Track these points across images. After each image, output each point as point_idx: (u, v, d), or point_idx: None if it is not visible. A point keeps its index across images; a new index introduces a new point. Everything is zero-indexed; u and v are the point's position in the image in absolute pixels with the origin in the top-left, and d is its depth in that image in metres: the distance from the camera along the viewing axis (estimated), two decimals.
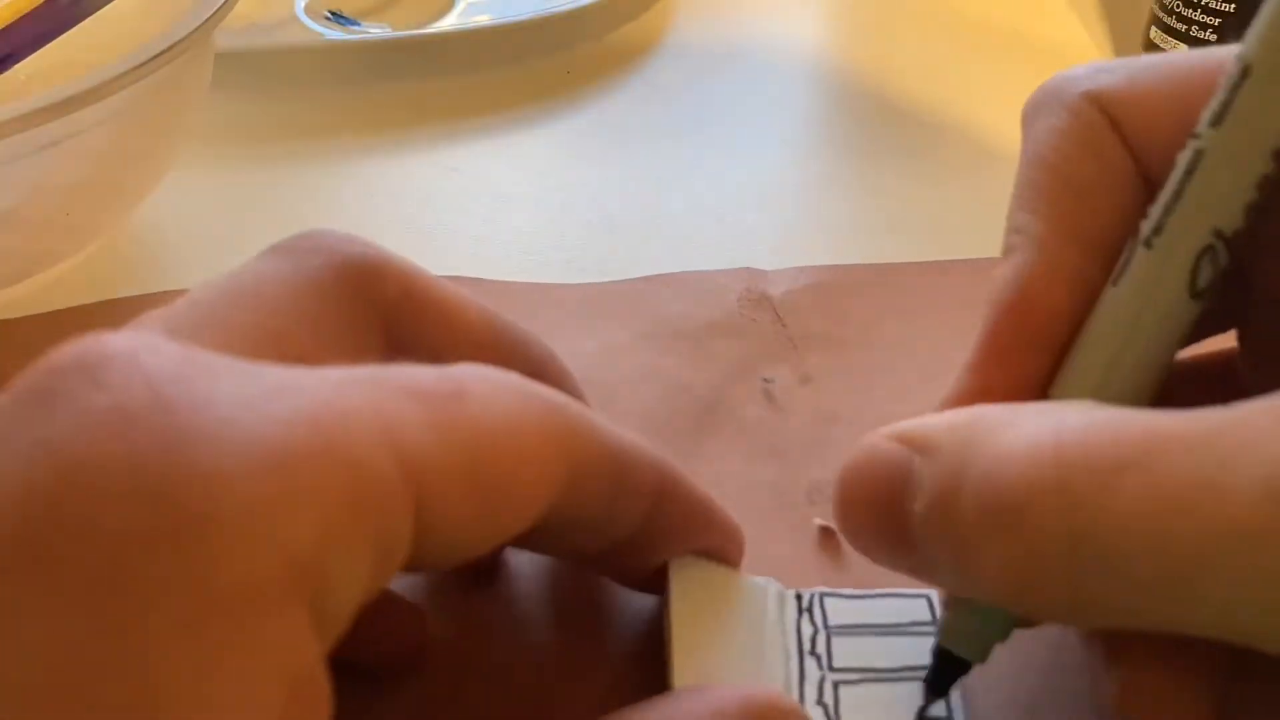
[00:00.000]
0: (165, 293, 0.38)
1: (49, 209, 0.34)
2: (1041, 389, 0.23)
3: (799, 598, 0.27)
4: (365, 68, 0.51)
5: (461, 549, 0.20)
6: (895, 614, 0.26)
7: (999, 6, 0.57)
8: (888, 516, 0.21)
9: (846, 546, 0.29)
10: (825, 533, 0.30)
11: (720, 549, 0.26)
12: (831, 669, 0.25)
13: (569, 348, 0.35)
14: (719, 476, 0.31)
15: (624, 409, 0.33)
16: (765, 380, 0.34)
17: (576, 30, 0.54)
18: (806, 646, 0.26)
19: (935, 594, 0.27)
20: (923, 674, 0.25)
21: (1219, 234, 0.22)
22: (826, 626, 0.26)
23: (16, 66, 0.35)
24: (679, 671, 0.24)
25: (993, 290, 0.24)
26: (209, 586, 0.15)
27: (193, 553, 0.16)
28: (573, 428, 0.21)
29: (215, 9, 0.34)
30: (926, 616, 0.26)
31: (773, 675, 0.25)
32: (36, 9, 0.35)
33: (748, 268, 0.38)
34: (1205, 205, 0.22)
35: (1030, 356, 0.23)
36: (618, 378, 0.34)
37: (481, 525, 0.20)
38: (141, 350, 0.17)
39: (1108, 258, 0.23)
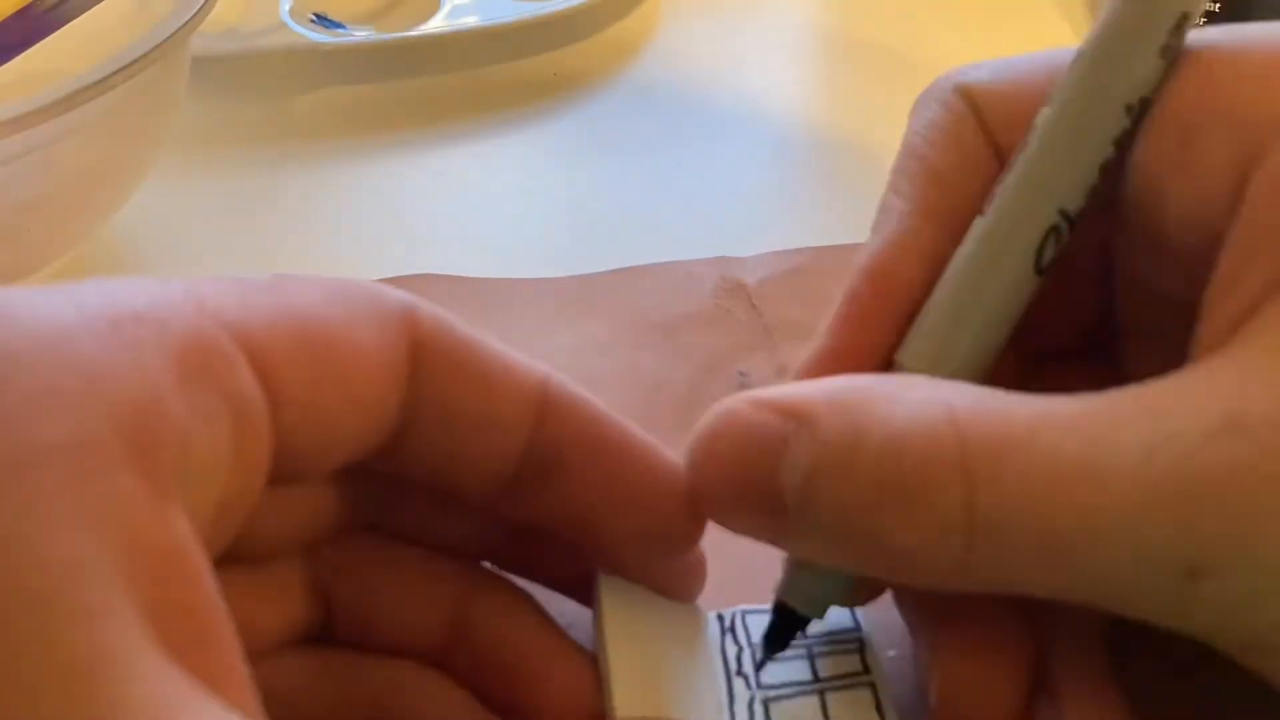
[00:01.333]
0: None
1: (21, 219, 0.34)
2: (890, 353, 0.24)
3: (720, 619, 0.26)
4: (351, 70, 0.51)
5: (329, 432, 0.20)
6: (818, 625, 0.25)
7: (985, 5, 0.57)
8: (756, 487, 0.21)
9: None
10: None
11: (651, 494, 0.23)
12: (760, 686, 0.25)
13: (545, 343, 0.35)
14: None
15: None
16: (741, 374, 0.34)
17: (563, 32, 0.53)
18: (733, 667, 0.25)
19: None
20: (851, 681, 0.25)
21: (1064, 214, 0.23)
22: (750, 644, 0.25)
23: None
24: (621, 702, 0.23)
25: (855, 262, 0.25)
26: (14, 449, 0.15)
27: None
28: (406, 306, 0.21)
29: (188, 18, 0.34)
30: (850, 623, 0.26)
31: (709, 698, 0.24)
32: (10, 17, 0.35)
33: (722, 256, 0.38)
34: (1053, 187, 0.23)
35: (884, 321, 0.24)
36: (594, 373, 0.34)
37: (329, 402, 0.19)
38: None
39: (960, 235, 0.24)
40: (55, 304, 0.17)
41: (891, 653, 0.26)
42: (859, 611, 0.26)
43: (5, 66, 0.35)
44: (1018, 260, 0.23)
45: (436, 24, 0.54)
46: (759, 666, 0.25)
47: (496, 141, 0.48)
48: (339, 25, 0.53)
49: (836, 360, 0.24)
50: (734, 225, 0.42)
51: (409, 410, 0.21)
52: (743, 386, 0.33)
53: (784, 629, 0.25)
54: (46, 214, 0.35)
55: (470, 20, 0.53)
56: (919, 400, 0.20)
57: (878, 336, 0.24)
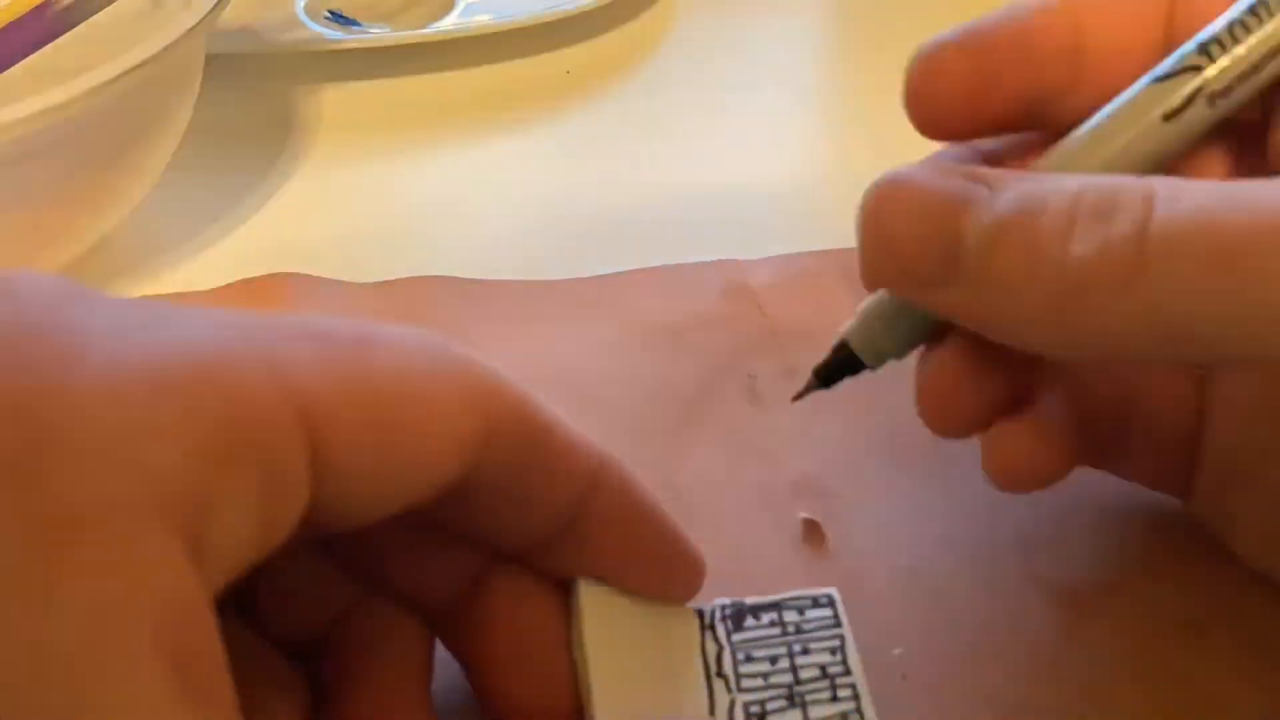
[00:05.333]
0: (172, 295, 0.38)
1: (33, 216, 0.34)
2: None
3: (700, 615, 0.26)
4: (365, 68, 0.51)
5: (369, 502, 0.20)
6: (799, 619, 0.26)
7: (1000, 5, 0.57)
8: (938, 230, 0.22)
9: (830, 540, 0.29)
10: (808, 526, 0.30)
11: (670, 573, 0.25)
12: (740, 689, 0.25)
13: (551, 346, 0.35)
14: (703, 474, 0.31)
15: (607, 407, 0.33)
16: (749, 376, 0.34)
17: (577, 30, 0.54)
18: (713, 668, 0.25)
19: (836, 593, 0.26)
20: (830, 683, 0.25)
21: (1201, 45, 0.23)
22: (730, 642, 0.25)
23: (4, 74, 0.35)
24: (600, 707, 0.23)
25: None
26: (58, 506, 0.15)
27: (42, 473, 0.16)
28: (490, 385, 0.21)
29: (201, 17, 0.34)
30: (829, 617, 0.26)
31: (691, 701, 0.24)
32: (26, 16, 0.35)
33: (729, 259, 0.38)
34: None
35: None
36: (600, 375, 0.34)
37: (387, 475, 0.20)
38: (19, 278, 0.18)
39: None
40: (125, 346, 0.17)
41: (897, 651, 0.26)
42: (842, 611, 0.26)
43: (21, 64, 0.36)
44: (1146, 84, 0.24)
45: (451, 22, 0.54)
46: (801, 394, 0.26)
47: (509, 139, 0.48)
48: (354, 23, 0.54)
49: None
50: (745, 225, 0.42)
51: (468, 479, 0.21)
52: (751, 389, 0.34)
53: (838, 369, 0.26)
54: (59, 211, 0.35)
55: (484, 18, 0.53)
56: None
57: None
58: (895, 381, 0.33)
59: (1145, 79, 0.24)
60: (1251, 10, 0.23)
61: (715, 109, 0.50)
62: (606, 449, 0.24)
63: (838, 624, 0.26)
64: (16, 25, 0.35)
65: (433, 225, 0.43)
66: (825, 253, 0.39)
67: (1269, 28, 0.23)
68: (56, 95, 0.31)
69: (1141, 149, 0.23)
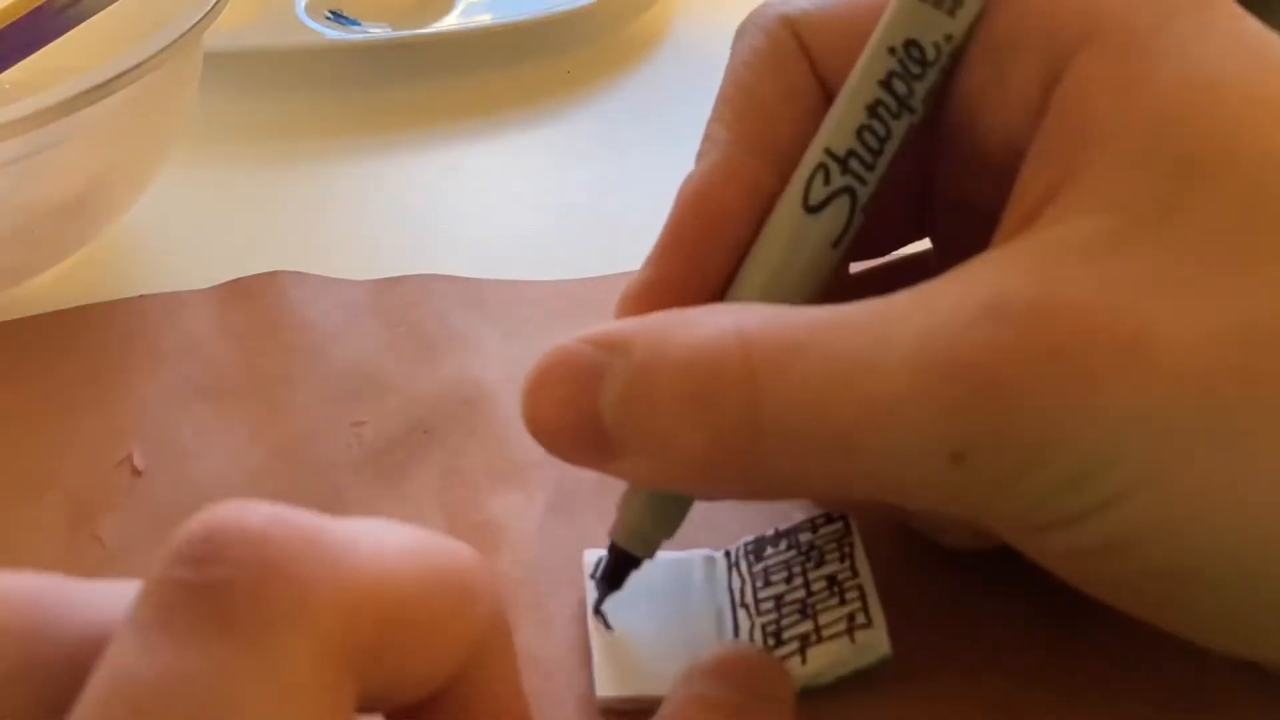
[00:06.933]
0: (169, 293, 0.38)
1: (33, 217, 0.34)
2: (716, 286, 0.25)
3: (728, 554, 0.28)
4: (365, 68, 0.51)
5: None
6: (812, 537, 0.27)
7: None
8: (581, 416, 0.22)
9: None
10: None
11: None
12: (759, 613, 0.26)
13: (547, 343, 0.35)
14: None
15: None
16: None
17: (576, 30, 0.54)
18: (737, 599, 0.26)
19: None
20: (839, 588, 0.26)
21: (829, 153, 0.24)
22: (751, 573, 0.27)
23: (4, 74, 0.36)
24: (601, 681, 0.25)
25: (679, 190, 0.26)
26: None
27: None
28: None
29: (198, 18, 0.34)
30: (840, 529, 0.27)
31: (702, 640, 0.26)
32: (24, 17, 0.35)
33: None
34: (825, 130, 0.25)
35: (705, 251, 0.25)
36: None
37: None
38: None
39: (786, 169, 0.25)
40: None
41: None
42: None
43: (20, 65, 0.36)
44: (792, 201, 0.25)
45: (451, 22, 0.54)
46: (597, 606, 0.26)
47: (509, 140, 0.48)
48: (354, 22, 0.54)
49: (658, 290, 0.25)
50: None
51: None
52: None
53: (619, 569, 0.26)
54: (58, 212, 0.35)
55: (484, 19, 0.53)
56: (715, 320, 0.22)
57: (700, 266, 0.25)
58: None
59: (789, 205, 0.25)
60: (872, 113, 0.24)
61: None
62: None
63: (848, 532, 0.27)
64: (16, 25, 0.35)
65: (432, 225, 0.43)
66: None
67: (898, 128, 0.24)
68: (56, 95, 0.31)
69: (763, 239, 0.25)
